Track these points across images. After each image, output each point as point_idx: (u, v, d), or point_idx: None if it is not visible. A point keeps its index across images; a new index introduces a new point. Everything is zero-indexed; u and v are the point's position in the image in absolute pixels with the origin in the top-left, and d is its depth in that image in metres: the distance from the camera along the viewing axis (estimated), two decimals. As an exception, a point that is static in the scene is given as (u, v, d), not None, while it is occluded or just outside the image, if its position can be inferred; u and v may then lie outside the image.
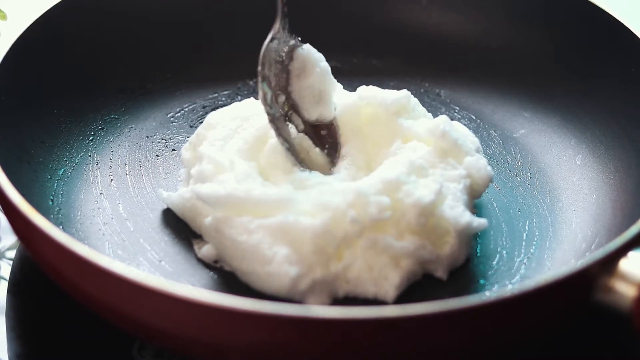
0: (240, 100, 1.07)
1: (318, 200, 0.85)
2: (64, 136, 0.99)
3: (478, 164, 0.92)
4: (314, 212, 0.84)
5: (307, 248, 0.83)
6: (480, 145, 0.96)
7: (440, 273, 0.87)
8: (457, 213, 0.86)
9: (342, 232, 0.84)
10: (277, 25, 0.94)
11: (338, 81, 0.99)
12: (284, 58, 0.94)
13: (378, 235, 0.84)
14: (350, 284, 0.85)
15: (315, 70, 0.94)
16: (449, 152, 0.92)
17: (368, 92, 0.94)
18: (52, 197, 0.93)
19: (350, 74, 1.10)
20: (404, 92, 0.95)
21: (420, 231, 0.85)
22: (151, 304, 0.75)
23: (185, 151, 0.96)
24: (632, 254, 0.78)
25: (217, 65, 1.10)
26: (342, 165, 0.92)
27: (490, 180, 0.92)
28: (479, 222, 0.87)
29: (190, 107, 1.06)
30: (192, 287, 0.84)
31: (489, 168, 0.92)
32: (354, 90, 0.99)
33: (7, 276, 0.91)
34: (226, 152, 0.91)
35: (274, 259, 0.83)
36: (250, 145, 0.92)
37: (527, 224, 0.93)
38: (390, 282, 0.84)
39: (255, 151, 0.92)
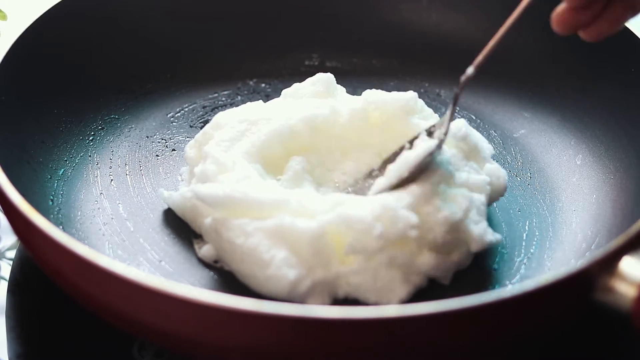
0: (240, 100, 1.07)
1: (337, 208, 0.84)
2: (64, 136, 0.99)
3: (498, 172, 0.92)
4: (336, 225, 0.83)
5: (305, 250, 0.83)
6: (494, 152, 0.95)
7: (444, 280, 0.86)
8: (480, 230, 0.86)
9: (363, 246, 0.83)
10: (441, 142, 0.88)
11: (338, 81, 0.99)
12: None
13: (397, 251, 0.83)
14: (350, 287, 0.84)
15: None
16: (470, 155, 0.91)
17: (375, 96, 0.94)
18: (52, 197, 0.93)
19: (350, 74, 1.10)
20: (411, 94, 0.94)
21: (440, 246, 0.85)
22: (151, 304, 0.75)
23: (190, 149, 0.96)
24: (632, 254, 0.78)
25: (217, 65, 1.10)
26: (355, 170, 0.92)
27: (505, 190, 0.92)
28: (496, 237, 0.87)
29: (190, 107, 1.06)
30: (192, 287, 0.84)
31: (506, 177, 0.92)
32: (355, 90, 0.99)
33: (7, 276, 0.91)
34: (232, 153, 0.91)
35: (272, 262, 0.83)
36: (257, 149, 0.91)
37: (527, 224, 0.93)
38: (396, 294, 0.83)
39: (261, 155, 0.91)
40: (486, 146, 0.95)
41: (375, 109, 0.93)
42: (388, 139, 0.93)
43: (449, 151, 0.90)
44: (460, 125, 0.92)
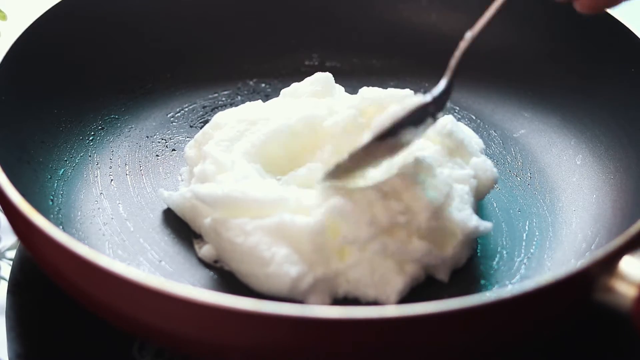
0: (240, 100, 1.07)
1: (329, 201, 0.85)
2: (64, 136, 0.99)
3: (485, 165, 0.92)
4: (330, 218, 0.84)
5: (306, 247, 0.83)
6: (484, 147, 0.96)
7: (442, 275, 0.86)
8: (464, 216, 0.86)
9: (356, 235, 0.83)
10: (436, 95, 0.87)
11: (338, 81, 0.99)
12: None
13: (389, 239, 0.84)
14: (350, 284, 0.84)
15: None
16: (455, 152, 0.92)
17: (371, 93, 0.94)
18: (52, 197, 0.93)
19: (350, 74, 1.10)
20: (407, 91, 0.95)
21: (427, 234, 0.85)
22: (151, 304, 0.75)
23: (189, 149, 0.96)
24: (632, 254, 0.77)
25: (217, 65, 1.10)
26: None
27: (495, 182, 0.92)
28: (485, 225, 0.87)
29: (190, 107, 1.06)
30: (192, 287, 0.84)
31: (495, 170, 0.92)
32: (355, 90, 0.99)
33: (7, 276, 0.91)
34: (231, 153, 0.91)
35: (273, 260, 0.83)
36: (257, 149, 0.91)
37: (527, 224, 0.93)
38: (392, 286, 0.84)
39: (261, 155, 0.91)
40: (475, 141, 0.95)
41: (371, 105, 0.93)
42: None
43: (432, 147, 0.91)
44: (445, 121, 0.93)
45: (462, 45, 0.88)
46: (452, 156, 0.92)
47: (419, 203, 0.85)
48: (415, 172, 0.87)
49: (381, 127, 0.85)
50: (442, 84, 0.88)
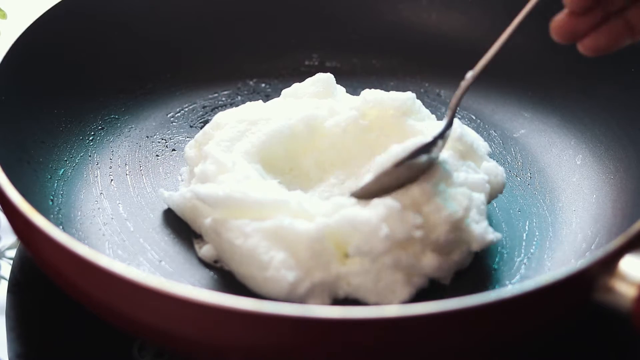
0: (240, 100, 1.07)
1: (340, 210, 0.84)
2: (64, 136, 0.99)
3: (496, 170, 0.92)
4: (341, 228, 0.83)
5: (303, 253, 0.83)
6: (490, 149, 0.95)
7: (445, 279, 0.86)
8: (481, 229, 0.86)
9: (370, 248, 0.83)
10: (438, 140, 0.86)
11: (338, 81, 0.99)
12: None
13: (402, 253, 0.83)
14: (351, 287, 0.84)
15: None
16: (467, 155, 0.91)
17: (373, 95, 0.94)
18: (52, 197, 0.93)
19: (350, 74, 1.10)
20: (409, 94, 0.94)
21: (442, 247, 0.84)
22: (151, 304, 0.75)
23: (190, 149, 0.96)
24: (632, 254, 0.77)
25: (217, 65, 1.10)
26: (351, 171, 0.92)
27: (504, 187, 0.92)
28: (497, 236, 0.87)
29: (190, 107, 1.06)
30: (192, 287, 0.84)
31: (504, 175, 0.92)
32: (354, 89, 0.99)
33: (7, 276, 0.91)
34: (232, 153, 0.90)
35: (271, 264, 0.82)
36: (257, 149, 0.91)
37: (527, 224, 0.93)
38: (397, 296, 0.83)
39: (261, 155, 0.91)
40: (482, 144, 0.95)
41: (373, 108, 0.93)
42: (384, 140, 0.92)
43: (445, 152, 0.90)
44: (454, 125, 0.92)
45: (463, 84, 0.87)
46: (464, 160, 0.91)
47: (439, 216, 0.84)
48: (435, 182, 0.86)
49: (382, 168, 0.85)
50: (442, 124, 0.88)
